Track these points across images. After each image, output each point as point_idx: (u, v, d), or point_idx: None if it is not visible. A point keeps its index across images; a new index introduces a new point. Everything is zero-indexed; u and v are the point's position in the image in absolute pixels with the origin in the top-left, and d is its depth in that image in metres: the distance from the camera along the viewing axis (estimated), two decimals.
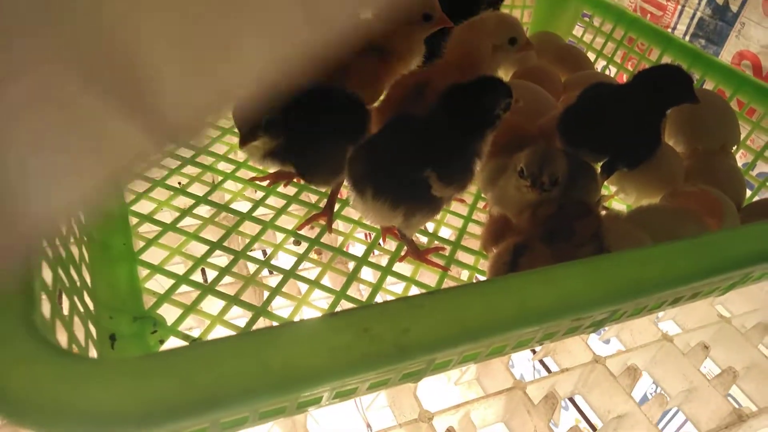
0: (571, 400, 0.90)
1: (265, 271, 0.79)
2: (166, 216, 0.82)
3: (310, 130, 0.76)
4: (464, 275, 0.86)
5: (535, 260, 0.73)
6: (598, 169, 0.94)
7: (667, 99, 0.94)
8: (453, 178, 0.73)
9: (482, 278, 0.85)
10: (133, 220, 0.80)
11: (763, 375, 0.90)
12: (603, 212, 1.03)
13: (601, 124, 0.90)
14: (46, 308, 0.44)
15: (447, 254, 0.85)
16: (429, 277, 0.84)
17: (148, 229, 0.80)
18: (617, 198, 1.04)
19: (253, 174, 0.92)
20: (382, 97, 0.90)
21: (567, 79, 1.25)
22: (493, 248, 0.82)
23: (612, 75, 1.35)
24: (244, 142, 0.74)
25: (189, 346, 0.38)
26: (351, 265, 0.81)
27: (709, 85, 1.16)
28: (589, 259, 0.56)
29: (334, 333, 0.41)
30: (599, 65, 1.39)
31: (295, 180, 0.92)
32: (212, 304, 0.71)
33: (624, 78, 1.33)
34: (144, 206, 0.82)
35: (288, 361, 0.38)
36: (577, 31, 1.46)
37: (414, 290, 0.79)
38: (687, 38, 1.49)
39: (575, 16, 1.46)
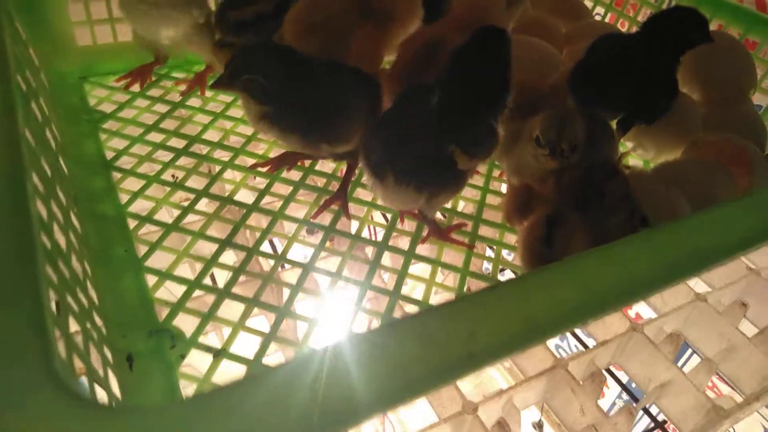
0: (608, 370, 0.87)
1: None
2: (165, 215, 0.76)
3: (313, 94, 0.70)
4: (489, 252, 0.82)
5: (570, 231, 0.69)
6: (614, 125, 0.90)
7: (682, 43, 0.89)
8: (479, 149, 0.67)
9: (510, 255, 0.80)
10: (131, 223, 0.73)
11: None
12: (626, 170, 1.00)
13: (615, 79, 0.85)
14: (60, 344, 0.38)
15: (469, 230, 0.81)
16: (452, 257, 0.79)
17: (148, 231, 0.74)
18: (634, 154, 1.00)
19: (252, 160, 0.86)
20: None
21: (568, 31, 1.19)
22: (519, 220, 0.77)
23: (613, 23, 1.29)
24: (218, 84, 0.66)
25: (226, 392, 0.32)
26: (369, 250, 0.76)
27: (716, 27, 1.11)
28: (645, 233, 0.51)
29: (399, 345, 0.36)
30: (597, 14, 1.32)
31: (299, 163, 0.85)
32: (228, 308, 0.66)
33: (626, 26, 1.27)
34: (140, 206, 0.75)
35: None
36: None
37: (440, 274, 0.75)
38: None
39: None
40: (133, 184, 0.78)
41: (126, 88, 0.95)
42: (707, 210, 0.58)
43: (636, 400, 0.87)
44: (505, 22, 0.81)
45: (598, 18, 1.32)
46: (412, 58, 0.77)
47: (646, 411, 0.88)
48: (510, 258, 0.87)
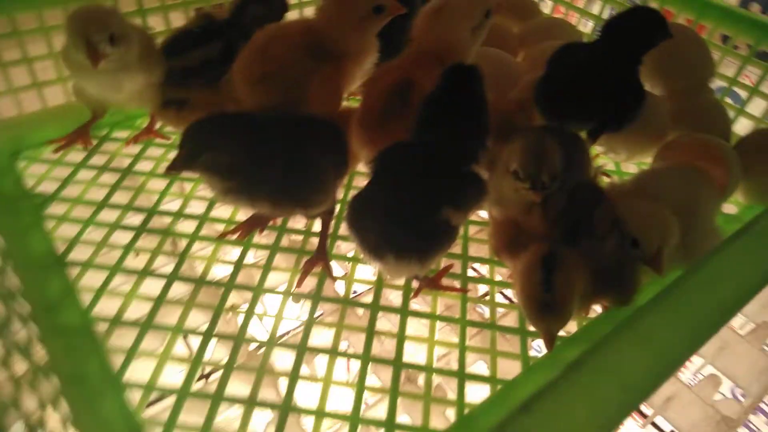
0: None
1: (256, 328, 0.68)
2: (134, 311, 0.69)
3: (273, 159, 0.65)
4: (482, 288, 0.79)
5: (569, 270, 0.66)
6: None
7: (643, 43, 0.87)
8: (473, 203, 0.64)
9: (507, 292, 0.77)
10: (101, 325, 0.67)
11: None
12: (605, 181, 0.99)
13: (581, 91, 0.83)
14: None
15: (458, 271, 0.77)
16: (445, 303, 0.76)
17: (120, 334, 0.67)
18: (604, 156, 0.99)
19: (219, 225, 0.79)
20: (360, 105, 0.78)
21: (520, 30, 1.16)
22: (509, 256, 0.74)
23: (563, 15, 1.27)
24: (174, 167, 0.60)
25: None
26: (361, 312, 0.72)
27: (668, 15, 1.10)
28: (665, 295, 0.49)
29: None
30: (546, 8, 1.29)
31: (270, 223, 0.80)
32: (226, 408, 0.61)
33: (576, 18, 1.25)
34: (107, 306, 0.69)
35: None
36: None
37: (439, 325, 0.71)
38: None
39: None
40: (93, 278, 0.71)
41: (57, 150, 0.87)
42: (716, 254, 0.56)
43: (644, 416, 0.88)
44: (471, 50, 0.77)
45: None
46: (382, 104, 0.72)
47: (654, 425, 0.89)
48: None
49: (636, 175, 0.83)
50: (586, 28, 1.23)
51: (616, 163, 1.01)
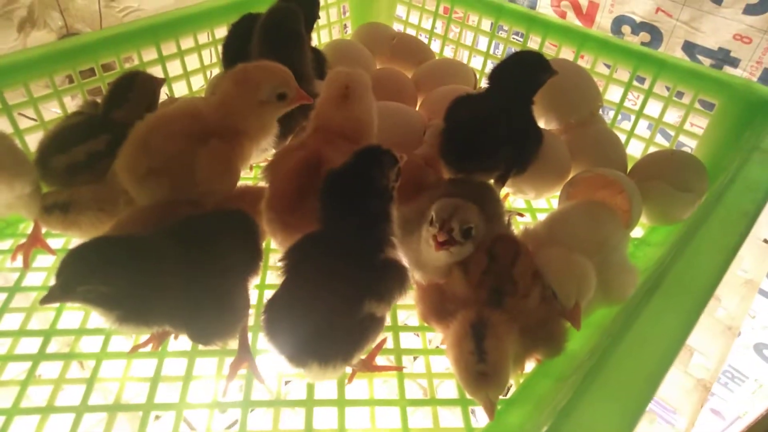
0: None
1: None
2: None
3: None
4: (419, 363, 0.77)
5: (499, 335, 0.66)
6: None
7: (531, 85, 0.90)
8: (393, 292, 0.62)
9: (440, 360, 0.76)
10: None
11: None
12: (518, 222, 1.00)
13: (482, 141, 0.84)
14: None
15: (392, 346, 0.76)
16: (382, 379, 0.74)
17: None
18: (513, 194, 1.01)
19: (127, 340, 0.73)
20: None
21: (415, 75, 1.17)
22: (437, 322, 0.73)
23: (452, 55, 1.29)
24: (49, 299, 0.54)
25: None
26: (299, 410, 0.68)
27: (551, 49, 1.14)
28: (594, 379, 0.49)
29: None
30: (435, 46, 1.32)
31: None
32: None
33: (465, 55, 1.27)
34: None
35: None
36: (401, 11, 1.36)
37: (379, 410, 0.69)
38: None
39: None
40: None
41: None
42: (632, 328, 0.56)
43: None
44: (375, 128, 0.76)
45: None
46: (291, 185, 0.70)
47: None
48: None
49: (546, 219, 0.85)
50: (477, 63, 1.25)
51: (527, 201, 1.04)
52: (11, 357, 0.71)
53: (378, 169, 0.64)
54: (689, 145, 1.06)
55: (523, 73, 0.89)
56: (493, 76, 0.90)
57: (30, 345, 0.72)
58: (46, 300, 0.54)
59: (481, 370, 0.63)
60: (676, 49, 1.21)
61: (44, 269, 0.82)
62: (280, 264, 0.62)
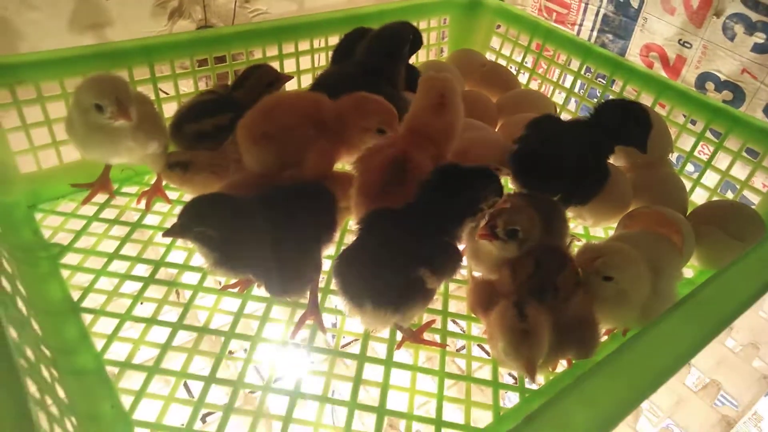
0: None
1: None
2: (145, 353, 0.76)
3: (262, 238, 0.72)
4: (459, 342, 0.86)
5: (538, 311, 0.73)
6: None
7: (622, 140, 0.97)
8: (445, 271, 0.72)
9: (484, 346, 0.85)
10: (113, 369, 0.73)
11: None
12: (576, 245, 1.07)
13: (554, 166, 0.92)
14: None
15: (439, 326, 0.85)
16: (427, 354, 0.83)
17: (130, 376, 0.73)
18: (573, 220, 1.08)
19: (221, 278, 0.87)
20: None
21: (499, 100, 1.27)
22: (483, 313, 0.82)
23: (538, 87, 1.38)
24: (170, 233, 0.69)
25: None
26: (349, 362, 0.79)
27: (631, 94, 1.22)
28: (607, 362, 0.57)
29: None
30: (522, 78, 1.41)
31: None
32: None
33: (549, 90, 1.36)
34: (117, 350, 0.75)
35: None
36: (495, 42, 1.47)
37: (420, 375, 0.78)
38: (594, 34, 1.56)
39: (490, 29, 1.47)
40: (105, 324, 0.77)
41: (84, 202, 0.95)
42: (657, 324, 0.64)
43: None
44: (459, 132, 0.87)
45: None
46: (379, 177, 0.80)
47: None
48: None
49: (611, 238, 0.92)
50: (560, 98, 1.34)
51: (585, 228, 1.11)
52: (128, 276, 0.86)
53: (484, 193, 0.74)
54: (753, 201, 1.10)
55: (626, 125, 0.96)
56: (600, 111, 0.97)
57: (142, 270, 0.87)
58: (168, 233, 0.69)
59: (523, 328, 0.71)
60: (757, 110, 1.25)
61: (160, 213, 0.98)
62: (356, 227, 0.74)
